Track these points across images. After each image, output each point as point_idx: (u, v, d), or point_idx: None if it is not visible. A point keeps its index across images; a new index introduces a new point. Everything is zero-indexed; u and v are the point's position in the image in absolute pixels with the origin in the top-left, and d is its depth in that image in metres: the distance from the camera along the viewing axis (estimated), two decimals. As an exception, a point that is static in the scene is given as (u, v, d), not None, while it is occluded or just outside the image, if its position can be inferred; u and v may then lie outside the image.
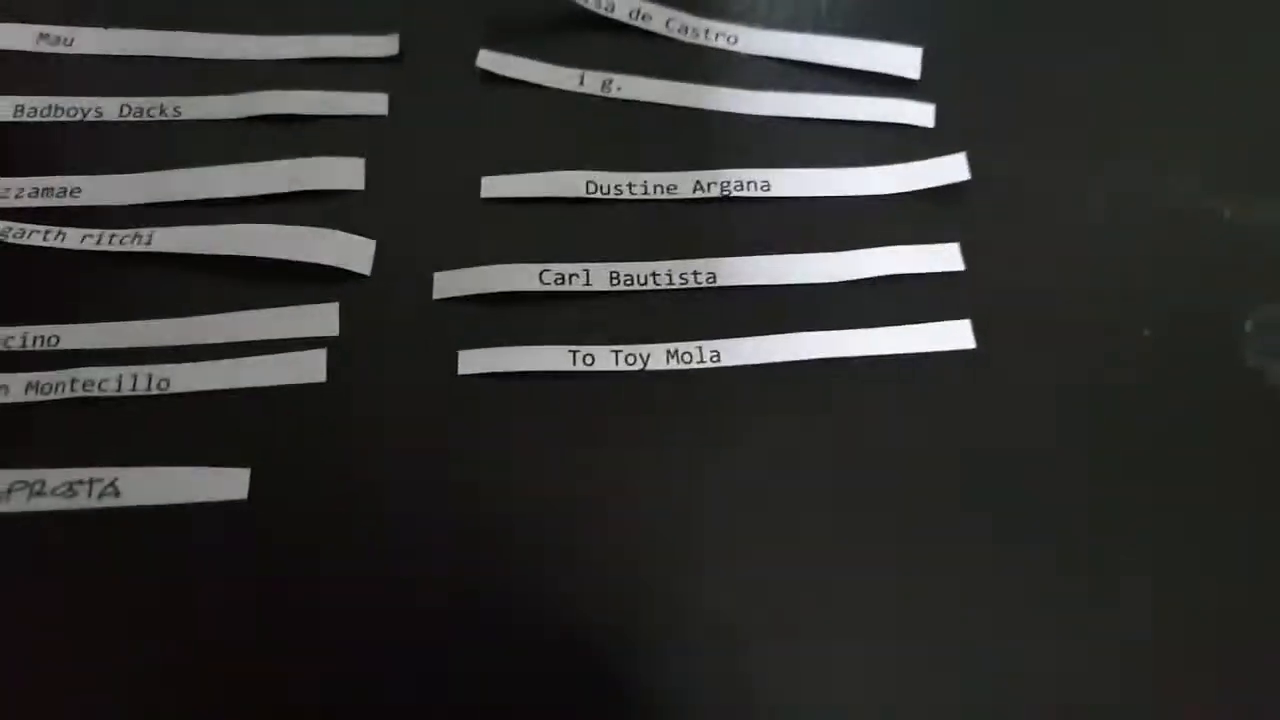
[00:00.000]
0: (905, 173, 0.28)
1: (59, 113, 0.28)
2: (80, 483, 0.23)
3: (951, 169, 0.28)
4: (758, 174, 0.28)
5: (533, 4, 0.30)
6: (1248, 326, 0.26)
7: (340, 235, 0.26)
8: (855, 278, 0.26)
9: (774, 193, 0.27)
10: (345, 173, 0.27)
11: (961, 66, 0.30)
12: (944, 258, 0.27)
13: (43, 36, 0.29)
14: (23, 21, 0.29)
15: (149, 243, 0.26)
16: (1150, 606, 0.23)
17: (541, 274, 0.26)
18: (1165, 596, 0.23)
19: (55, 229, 0.26)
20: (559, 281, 0.26)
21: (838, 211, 0.27)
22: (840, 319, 0.26)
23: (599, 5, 0.29)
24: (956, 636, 0.22)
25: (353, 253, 0.26)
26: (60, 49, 0.29)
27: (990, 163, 0.28)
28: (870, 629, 0.23)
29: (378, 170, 0.27)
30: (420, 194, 0.27)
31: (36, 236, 0.26)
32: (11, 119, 0.28)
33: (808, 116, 0.29)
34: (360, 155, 0.27)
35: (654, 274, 0.26)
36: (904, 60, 0.29)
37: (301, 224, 0.26)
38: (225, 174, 0.27)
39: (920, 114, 0.29)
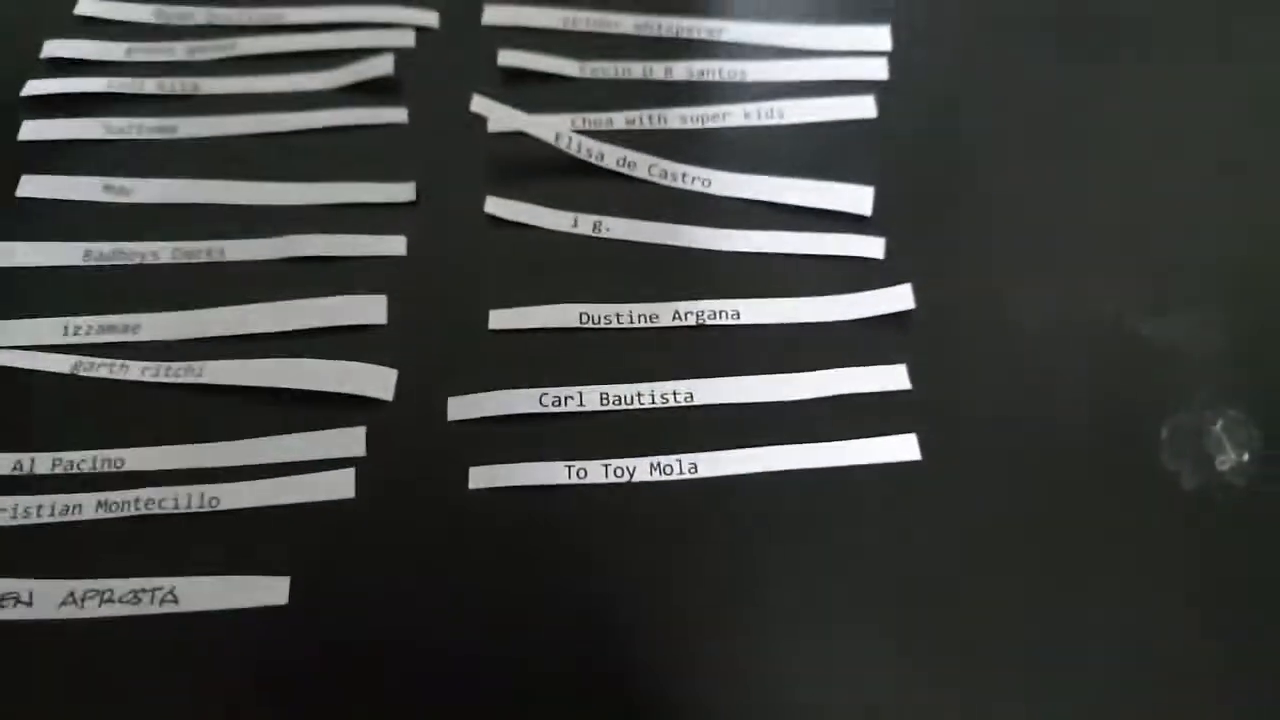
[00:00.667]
0: (858, 301, 0.31)
1: (121, 256, 0.31)
2: (143, 591, 0.26)
3: (898, 298, 0.31)
4: (729, 304, 0.31)
5: (533, 155, 0.33)
6: (1163, 433, 0.30)
7: (365, 367, 0.29)
8: (814, 396, 0.30)
9: (743, 320, 0.31)
10: (369, 309, 0.30)
11: (908, 202, 0.33)
12: (892, 378, 0.30)
13: (107, 188, 0.33)
14: (91, 174, 0.33)
15: (200, 375, 0.29)
16: (1086, 703, 0.26)
17: (541, 397, 0.29)
18: (1096, 691, 0.26)
19: (119, 362, 0.29)
20: (557, 404, 0.29)
21: (799, 337, 0.31)
22: (802, 433, 0.29)
23: (590, 155, 0.33)
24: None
25: (376, 382, 0.29)
26: (121, 198, 0.33)
27: (933, 289, 0.31)
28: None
29: (398, 306, 0.31)
30: (435, 327, 0.31)
31: (104, 369, 0.29)
32: (82, 262, 0.31)
33: (773, 251, 0.32)
34: (382, 292, 0.31)
35: (639, 395, 0.29)
36: (858, 199, 0.33)
37: (331, 356, 0.30)
38: (263, 312, 0.30)
39: (872, 247, 0.32)
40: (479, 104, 0.32)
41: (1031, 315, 0.31)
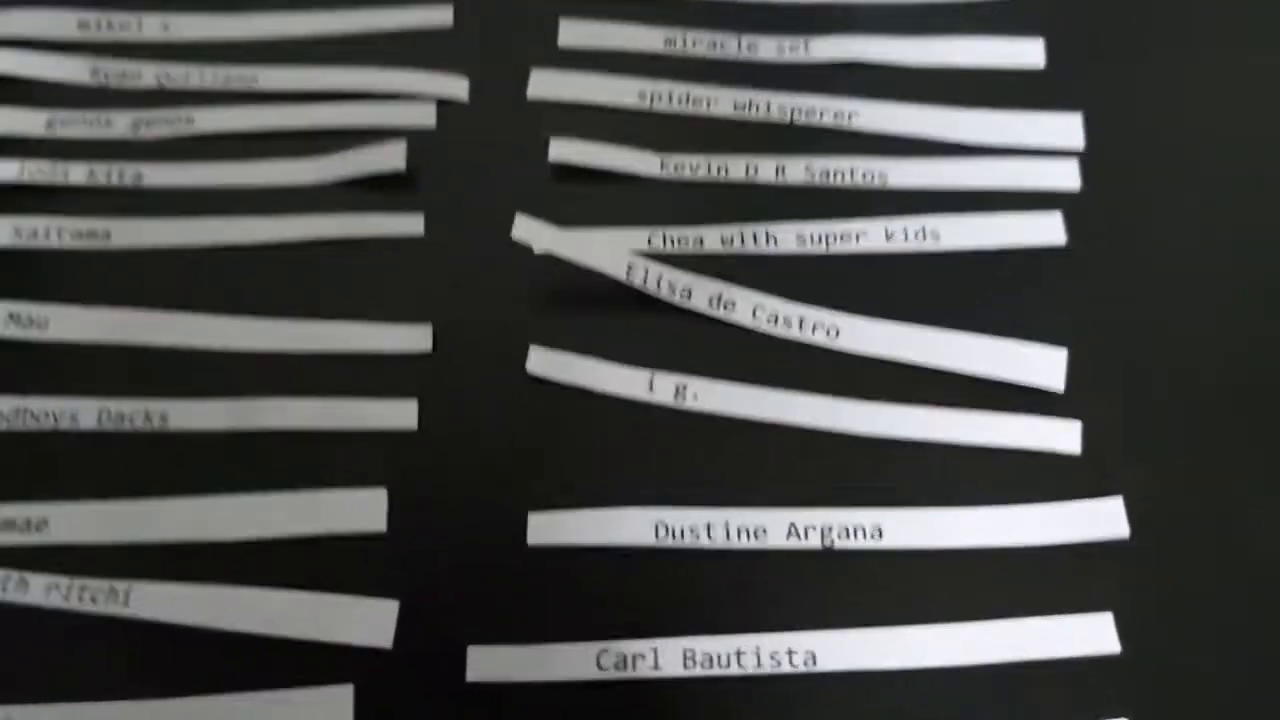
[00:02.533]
0: (1045, 519, 0.28)
1: (28, 419, 0.29)
2: None
3: (1105, 519, 0.28)
4: (867, 515, 0.28)
5: (593, 284, 0.30)
6: None
7: (355, 601, 0.27)
8: (989, 662, 0.26)
9: (886, 542, 0.28)
10: (364, 511, 0.28)
11: (1111, 370, 0.30)
12: (1094, 635, 0.27)
13: (13, 317, 0.30)
14: (-9, 298, 0.31)
15: (125, 603, 0.26)
16: None
17: (599, 656, 0.26)
18: None
19: (16, 575, 0.27)
20: (620, 665, 0.26)
21: (964, 566, 0.28)
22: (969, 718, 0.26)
23: (673, 292, 0.30)
24: None
25: (370, 620, 0.26)
26: (33, 333, 0.30)
27: (1148, 502, 0.28)
28: None
29: (403, 503, 0.28)
30: (453, 536, 0.28)
31: (-7, 584, 0.27)
32: (-28, 424, 0.29)
33: (923, 438, 0.29)
34: (382, 484, 0.28)
35: (739, 652, 0.26)
36: (1045, 366, 0.30)
37: (311, 576, 0.27)
38: (217, 511, 0.28)
39: (1065, 437, 0.29)
40: (523, 228, 0.30)
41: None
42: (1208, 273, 0.32)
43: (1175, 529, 0.28)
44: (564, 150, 0.32)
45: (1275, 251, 0.32)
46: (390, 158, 0.32)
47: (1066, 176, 0.33)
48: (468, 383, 0.30)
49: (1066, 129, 0.34)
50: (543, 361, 0.30)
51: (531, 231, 0.30)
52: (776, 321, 0.31)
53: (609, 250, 0.30)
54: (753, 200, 0.33)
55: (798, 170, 0.33)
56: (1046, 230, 0.32)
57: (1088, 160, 0.33)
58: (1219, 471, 0.29)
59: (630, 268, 0.30)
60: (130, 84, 0.34)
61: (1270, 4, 0.37)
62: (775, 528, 0.28)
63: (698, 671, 0.26)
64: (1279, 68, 0.35)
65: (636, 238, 0.32)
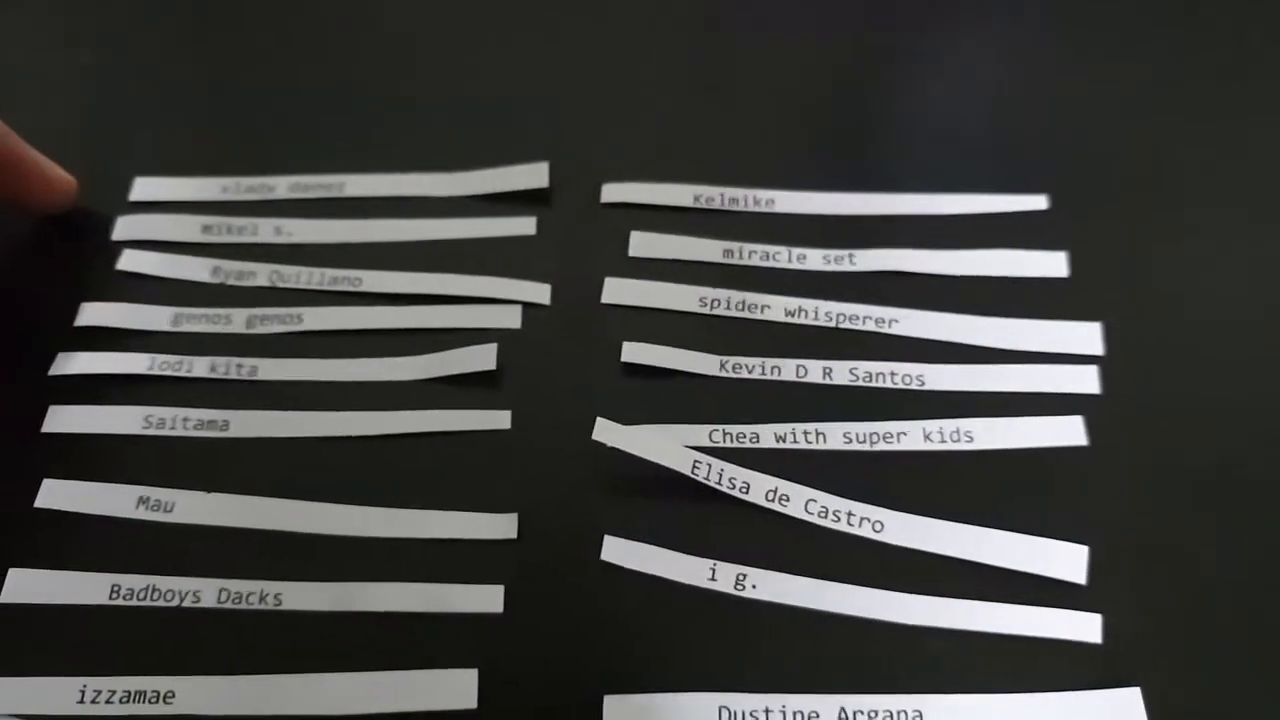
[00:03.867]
0: (1070, 706, 0.29)
1: (155, 595, 0.31)
2: None
3: (1124, 709, 0.29)
4: (908, 700, 0.30)
5: (660, 476, 0.32)
6: None
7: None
8: None
9: (928, 729, 0.29)
10: (456, 689, 0.29)
11: (1131, 569, 0.32)
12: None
13: (142, 501, 0.32)
14: (124, 482, 0.33)
15: (247, 776, 0.28)
16: None
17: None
18: None
19: (146, 748, 0.29)
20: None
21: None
22: None
23: (734, 486, 0.32)
24: None
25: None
26: (160, 516, 0.32)
27: (1166, 690, 0.29)
28: None
29: (491, 681, 0.30)
30: (537, 715, 0.29)
31: (125, 756, 0.28)
32: (107, 601, 0.31)
33: (964, 628, 0.31)
34: (472, 664, 0.30)
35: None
36: (1066, 562, 0.32)
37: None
38: (324, 688, 0.29)
39: (1085, 628, 0.31)
40: (601, 430, 0.32)
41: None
42: (1220, 475, 0.33)
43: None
44: (635, 352, 0.35)
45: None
46: (482, 359, 0.35)
47: (1087, 381, 0.35)
48: (549, 569, 0.32)
49: (1087, 337, 0.36)
50: (616, 550, 0.32)
51: (609, 432, 0.32)
52: (826, 515, 0.32)
53: (675, 448, 0.33)
54: (802, 399, 0.35)
55: (843, 373, 0.35)
56: (1069, 432, 0.34)
57: (1107, 365, 0.35)
58: (1235, 663, 0.30)
59: (695, 464, 0.32)
60: (246, 283, 0.37)
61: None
62: (827, 711, 0.29)
63: None
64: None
65: (699, 434, 0.34)
